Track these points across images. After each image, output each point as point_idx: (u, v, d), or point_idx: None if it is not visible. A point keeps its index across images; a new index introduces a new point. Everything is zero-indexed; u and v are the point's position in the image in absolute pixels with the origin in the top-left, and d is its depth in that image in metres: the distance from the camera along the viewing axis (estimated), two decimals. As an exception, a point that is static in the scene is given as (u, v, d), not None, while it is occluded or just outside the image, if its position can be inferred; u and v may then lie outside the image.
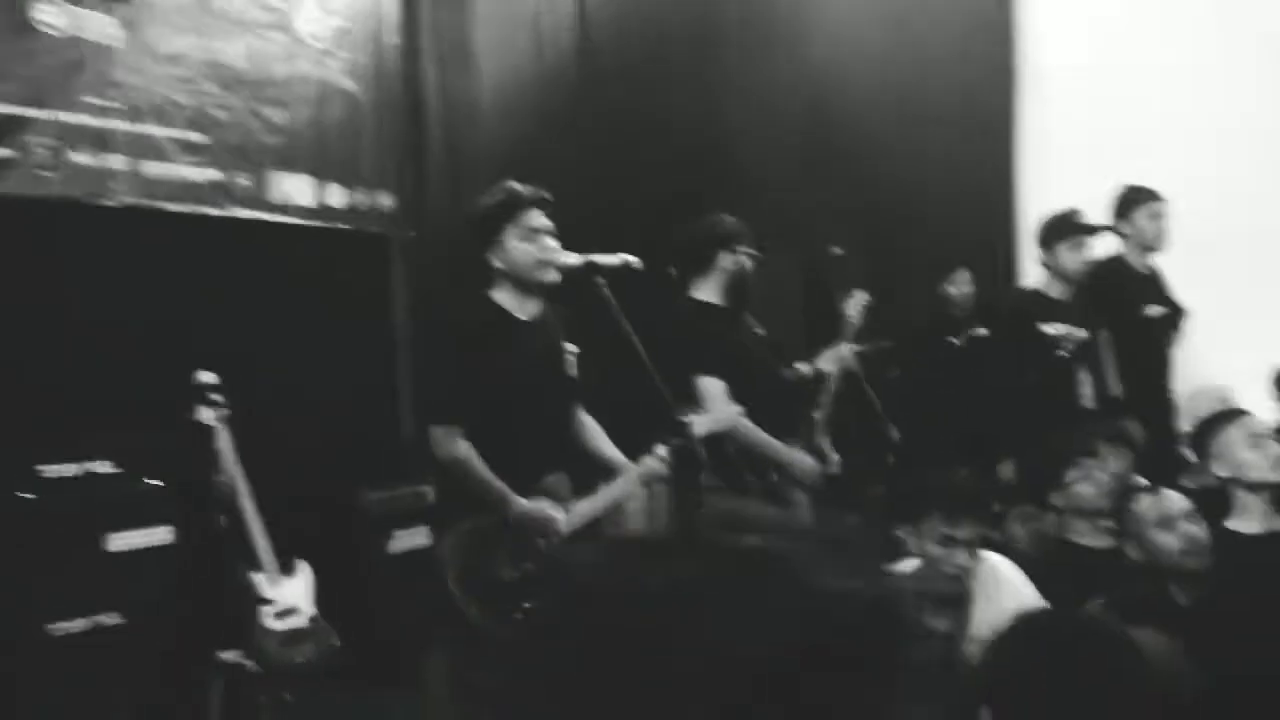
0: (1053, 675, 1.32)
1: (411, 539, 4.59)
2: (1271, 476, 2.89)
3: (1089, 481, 2.98)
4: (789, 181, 6.18)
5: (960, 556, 2.61)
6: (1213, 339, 4.79)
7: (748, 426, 3.47)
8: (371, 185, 5.17)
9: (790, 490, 3.72)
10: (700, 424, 2.96)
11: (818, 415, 3.90)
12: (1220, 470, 2.99)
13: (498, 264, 3.08)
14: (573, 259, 3.01)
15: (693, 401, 3.45)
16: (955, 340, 5.09)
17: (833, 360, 3.92)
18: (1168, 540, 2.61)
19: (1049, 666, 1.34)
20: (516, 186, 3.11)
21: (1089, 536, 3.01)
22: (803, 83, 6.15)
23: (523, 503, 2.99)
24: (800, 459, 3.66)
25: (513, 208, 3.06)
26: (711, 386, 3.52)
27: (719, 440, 3.34)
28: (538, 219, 3.06)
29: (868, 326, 4.10)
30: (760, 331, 3.85)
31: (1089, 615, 1.81)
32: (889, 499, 3.58)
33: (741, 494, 3.46)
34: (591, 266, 2.97)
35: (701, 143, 5.97)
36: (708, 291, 3.69)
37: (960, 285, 5.36)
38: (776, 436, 3.68)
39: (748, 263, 3.70)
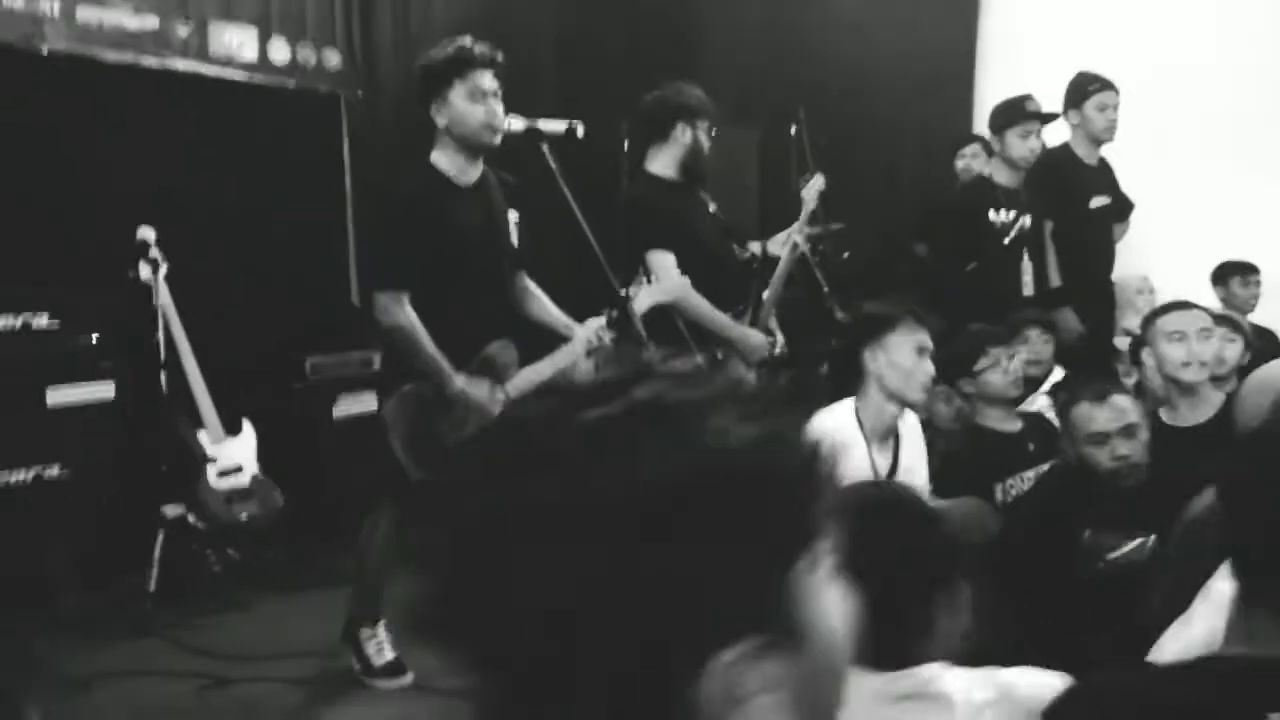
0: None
1: (357, 404, 4.62)
2: None
3: (997, 370, 3.04)
4: (749, 61, 6.08)
5: (929, 364, 2.75)
6: (1160, 231, 4.86)
7: (695, 300, 3.49)
8: (318, 41, 5.01)
9: (736, 366, 3.77)
10: (643, 297, 2.97)
11: (766, 295, 3.92)
12: None
13: (441, 121, 3.02)
14: (516, 123, 2.95)
15: (641, 273, 3.46)
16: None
17: (784, 243, 3.92)
18: (1098, 455, 2.63)
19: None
20: (469, 44, 3.01)
21: (998, 421, 3.09)
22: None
23: (461, 381, 3.00)
24: (747, 334, 3.68)
25: (463, 65, 2.96)
26: (663, 260, 3.52)
27: (668, 315, 3.37)
28: (487, 80, 2.97)
29: (823, 208, 4.09)
30: (714, 209, 3.84)
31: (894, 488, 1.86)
32: (832, 378, 3.64)
33: None
34: (535, 132, 2.92)
35: (663, 15, 5.83)
36: (662, 164, 3.64)
37: (972, 160, 5.16)
38: (726, 311, 3.71)
39: (704, 138, 3.65)
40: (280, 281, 4.67)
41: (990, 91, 5.45)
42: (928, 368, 2.74)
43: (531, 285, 3.28)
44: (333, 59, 5.06)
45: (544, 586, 0.59)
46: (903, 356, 2.71)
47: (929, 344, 2.75)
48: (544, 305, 3.26)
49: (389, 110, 5.17)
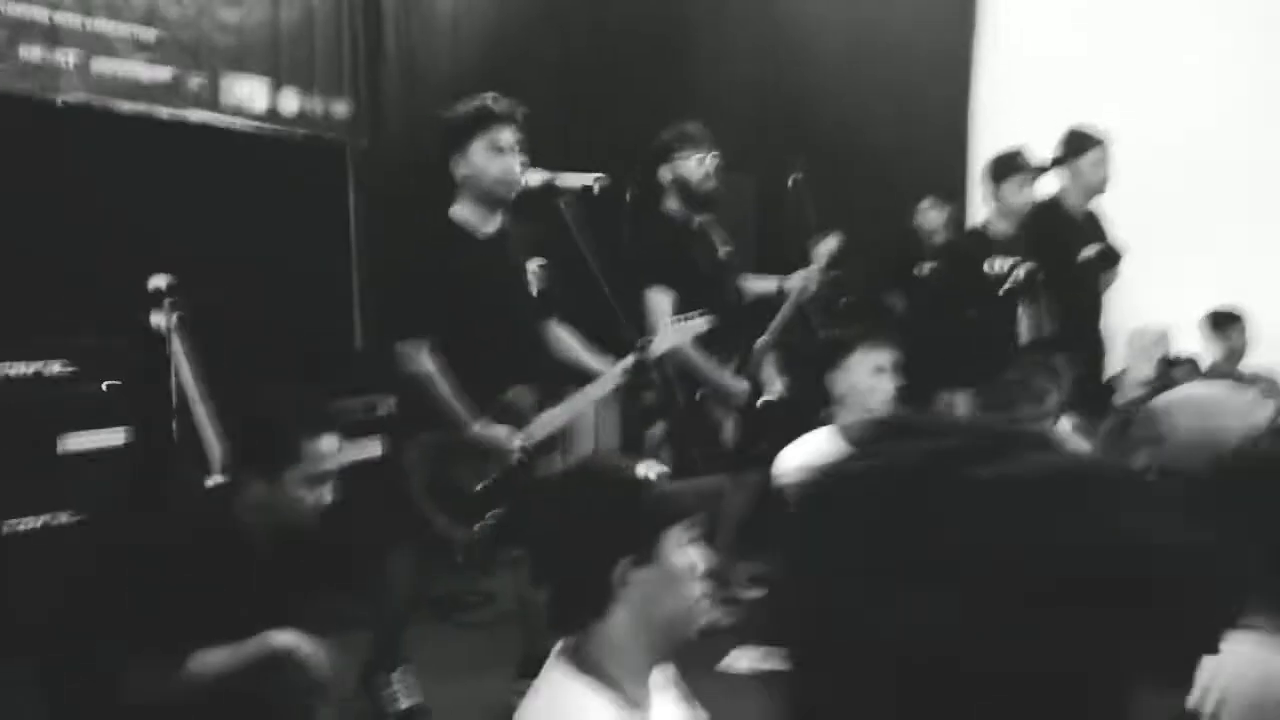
0: None
1: (362, 449, 4.64)
2: None
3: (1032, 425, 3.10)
4: (744, 107, 6.20)
5: (887, 381, 2.95)
6: (1150, 278, 4.96)
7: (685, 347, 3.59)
8: (327, 91, 5.10)
9: (715, 409, 3.82)
10: (659, 343, 3.05)
11: (761, 341, 3.98)
12: None
13: (460, 173, 3.09)
14: (535, 178, 3.03)
15: (643, 315, 3.55)
16: (920, 270, 5.22)
17: (796, 284, 4.01)
18: None
19: None
20: (490, 100, 3.10)
21: None
22: (761, 13, 6.15)
23: (478, 428, 3.06)
24: (726, 381, 3.74)
25: (485, 120, 3.05)
26: (659, 299, 3.62)
27: (660, 358, 3.45)
28: (507, 135, 3.06)
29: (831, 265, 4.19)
30: (723, 249, 3.92)
31: None
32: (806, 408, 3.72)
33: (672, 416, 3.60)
34: (552, 188, 2.99)
35: (658, 63, 5.96)
36: (668, 204, 3.80)
37: (927, 214, 5.46)
38: (719, 354, 3.77)
39: (687, 170, 3.77)
40: (286, 327, 4.72)
41: (986, 136, 5.62)
42: (886, 385, 2.95)
43: (558, 328, 3.34)
44: (340, 109, 5.15)
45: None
46: (861, 377, 2.94)
47: (886, 362, 2.96)
48: (571, 346, 3.32)
49: (395, 159, 5.25)
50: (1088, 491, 0.64)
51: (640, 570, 1.49)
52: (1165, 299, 5.07)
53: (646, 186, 3.85)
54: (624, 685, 1.49)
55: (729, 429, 3.92)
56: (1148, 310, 5.12)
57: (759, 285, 4.15)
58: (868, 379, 2.93)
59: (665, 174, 3.78)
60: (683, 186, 3.77)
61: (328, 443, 2.41)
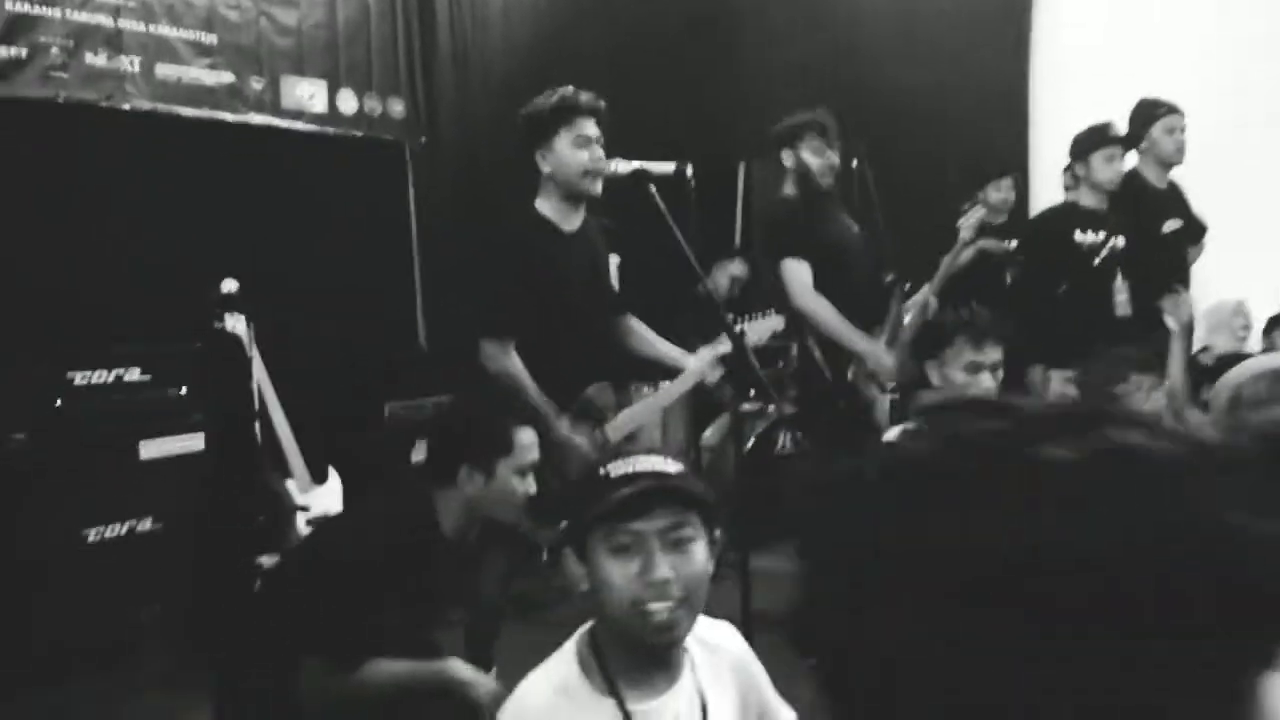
0: None
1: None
2: None
3: (1139, 397, 2.93)
4: (796, 95, 6.10)
5: (985, 380, 2.68)
6: (1226, 253, 4.86)
7: (824, 312, 3.54)
8: (383, 91, 5.07)
9: (868, 387, 3.72)
10: (757, 329, 2.98)
11: (910, 319, 3.90)
12: None
13: (545, 168, 3.04)
14: (623, 167, 2.97)
15: (780, 289, 3.55)
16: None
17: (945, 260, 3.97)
18: None
19: None
20: (572, 92, 3.05)
21: None
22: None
23: (565, 429, 3.01)
24: (879, 351, 3.65)
25: (568, 113, 3.00)
26: (796, 269, 3.59)
27: (799, 329, 3.46)
28: (590, 127, 3.01)
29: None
30: (857, 230, 3.88)
31: None
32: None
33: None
34: (643, 174, 2.93)
35: (708, 49, 5.90)
36: (789, 187, 3.78)
37: (987, 196, 5.36)
38: (863, 329, 3.68)
39: (813, 157, 3.71)
40: (352, 327, 4.70)
41: (1045, 126, 5.52)
42: (985, 383, 2.68)
43: (636, 323, 3.29)
44: (397, 108, 5.12)
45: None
46: (955, 371, 2.69)
47: (986, 361, 2.70)
48: (650, 341, 3.27)
49: (450, 156, 5.22)
50: (1153, 475, 0.53)
51: None
52: (1241, 274, 4.97)
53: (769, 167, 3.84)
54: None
55: (882, 409, 3.83)
56: (1223, 286, 5.02)
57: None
58: (961, 376, 2.68)
59: (788, 158, 3.73)
60: (804, 174, 3.72)
61: (529, 434, 2.51)
